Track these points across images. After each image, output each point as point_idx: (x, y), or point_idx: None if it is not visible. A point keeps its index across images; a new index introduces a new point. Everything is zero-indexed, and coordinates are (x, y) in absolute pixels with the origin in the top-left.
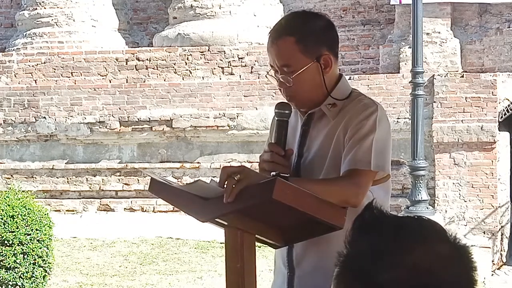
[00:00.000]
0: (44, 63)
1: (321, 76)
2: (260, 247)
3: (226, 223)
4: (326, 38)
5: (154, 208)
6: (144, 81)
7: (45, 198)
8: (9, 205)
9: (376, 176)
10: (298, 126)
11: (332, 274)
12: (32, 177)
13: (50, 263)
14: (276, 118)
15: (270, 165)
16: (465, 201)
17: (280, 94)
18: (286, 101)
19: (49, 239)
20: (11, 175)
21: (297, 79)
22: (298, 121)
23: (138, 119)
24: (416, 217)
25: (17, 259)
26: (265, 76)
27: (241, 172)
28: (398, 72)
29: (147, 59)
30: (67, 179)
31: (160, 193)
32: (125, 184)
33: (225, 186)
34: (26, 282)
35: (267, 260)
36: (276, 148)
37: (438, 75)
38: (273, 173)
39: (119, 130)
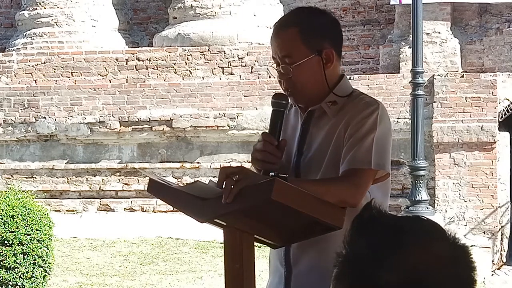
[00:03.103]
0: (44, 63)
1: (322, 71)
2: (259, 247)
3: (225, 224)
4: (329, 33)
5: (154, 208)
6: (144, 81)
7: (45, 198)
8: (9, 205)
9: (376, 175)
10: (298, 125)
11: (330, 273)
12: (32, 177)
13: (50, 263)
14: (272, 108)
15: (261, 154)
16: (465, 201)
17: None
18: (284, 93)
19: (49, 239)
20: (11, 175)
21: (297, 70)
22: (298, 120)
23: (138, 119)
24: (414, 217)
25: (17, 259)
26: (267, 69)
27: (240, 173)
28: (398, 72)
29: (147, 59)
30: (67, 179)
31: (158, 193)
32: (125, 184)
33: (223, 186)
34: (26, 282)
35: (266, 260)
36: (269, 137)
37: (438, 75)
38: (272, 173)
39: (119, 130)
